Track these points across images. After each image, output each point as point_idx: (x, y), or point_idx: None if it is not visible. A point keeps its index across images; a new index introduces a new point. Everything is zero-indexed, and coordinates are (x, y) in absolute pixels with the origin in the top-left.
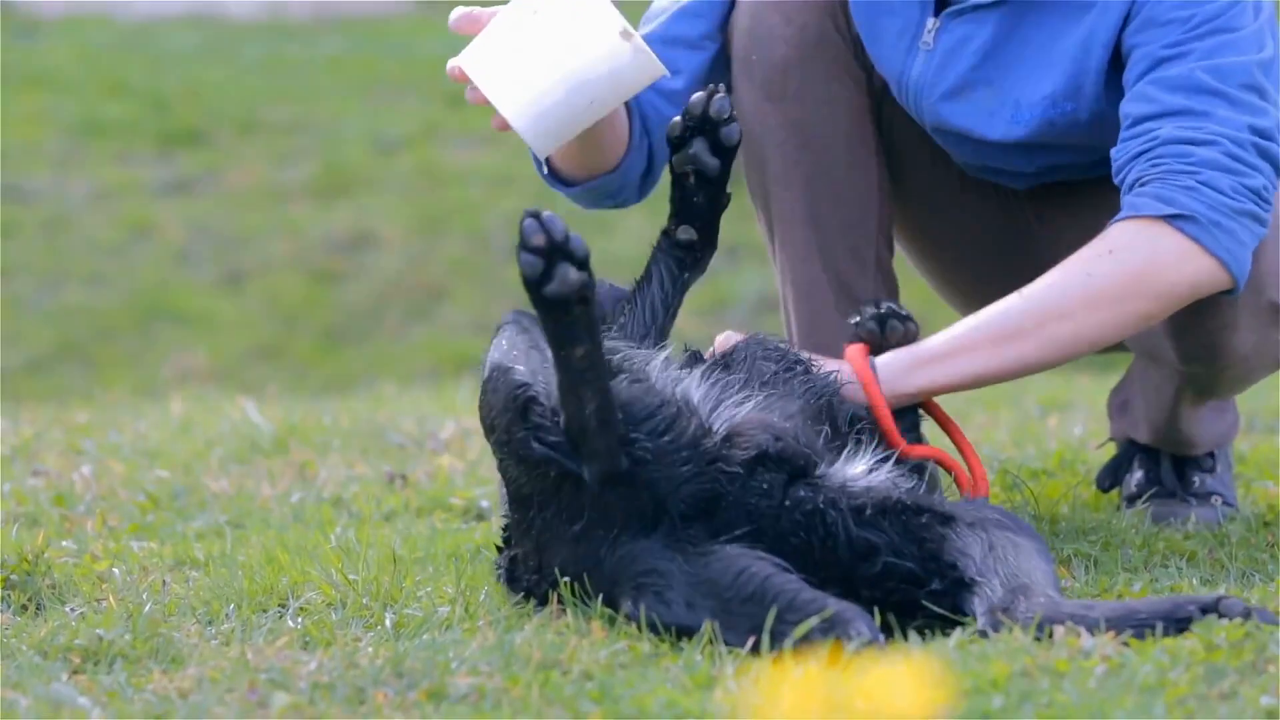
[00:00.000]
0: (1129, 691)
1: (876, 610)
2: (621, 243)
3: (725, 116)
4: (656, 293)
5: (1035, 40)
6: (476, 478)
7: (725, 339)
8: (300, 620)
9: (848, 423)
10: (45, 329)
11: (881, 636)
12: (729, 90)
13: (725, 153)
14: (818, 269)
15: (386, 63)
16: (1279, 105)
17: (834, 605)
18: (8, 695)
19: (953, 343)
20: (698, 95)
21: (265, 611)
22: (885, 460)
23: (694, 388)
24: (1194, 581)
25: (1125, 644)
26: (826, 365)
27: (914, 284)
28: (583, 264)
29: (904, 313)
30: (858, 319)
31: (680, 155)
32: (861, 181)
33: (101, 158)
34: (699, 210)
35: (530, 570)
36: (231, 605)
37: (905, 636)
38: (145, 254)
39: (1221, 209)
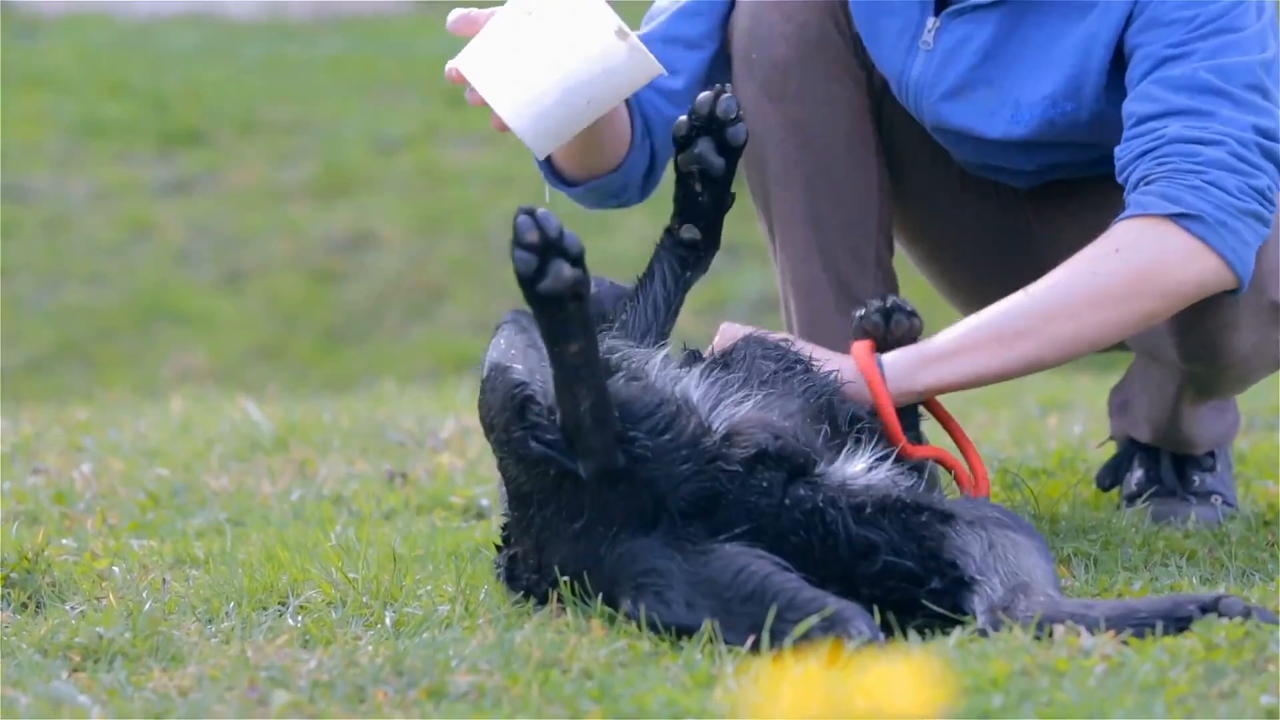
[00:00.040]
0: (1129, 690)
1: (876, 609)
2: (622, 242)
3: (732, 116)
4: (659, 290)
5: (1035, 40)
6: (476, 476)
7: (728, 330)
8: (300, 618)
9: (847, 421)
10: (45, 329)
11: (881, 635)
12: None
13: (731, 153)
14: (818, 269)
15: (386, 62)
16: None
17: (834, 604)
18: (8, 693)
19: (959, 341)
20: (704, 95)
21: (265, 609)
22: (885, 459)
23: (693, 386)
24: (1194, 580)
25: (1125, 643)
26: (831, 360)
27: (914, 283)
28: (577, 260)
29: (909, 307)
30: (863, 312)
31: (686, 154)
32: (861, 181)
33: (101, 158)
34: (703, 210)
35: (530, 569)
36: (231, 603)
37: (905, 635)
38: (145, 254)
39: (1228, 209)
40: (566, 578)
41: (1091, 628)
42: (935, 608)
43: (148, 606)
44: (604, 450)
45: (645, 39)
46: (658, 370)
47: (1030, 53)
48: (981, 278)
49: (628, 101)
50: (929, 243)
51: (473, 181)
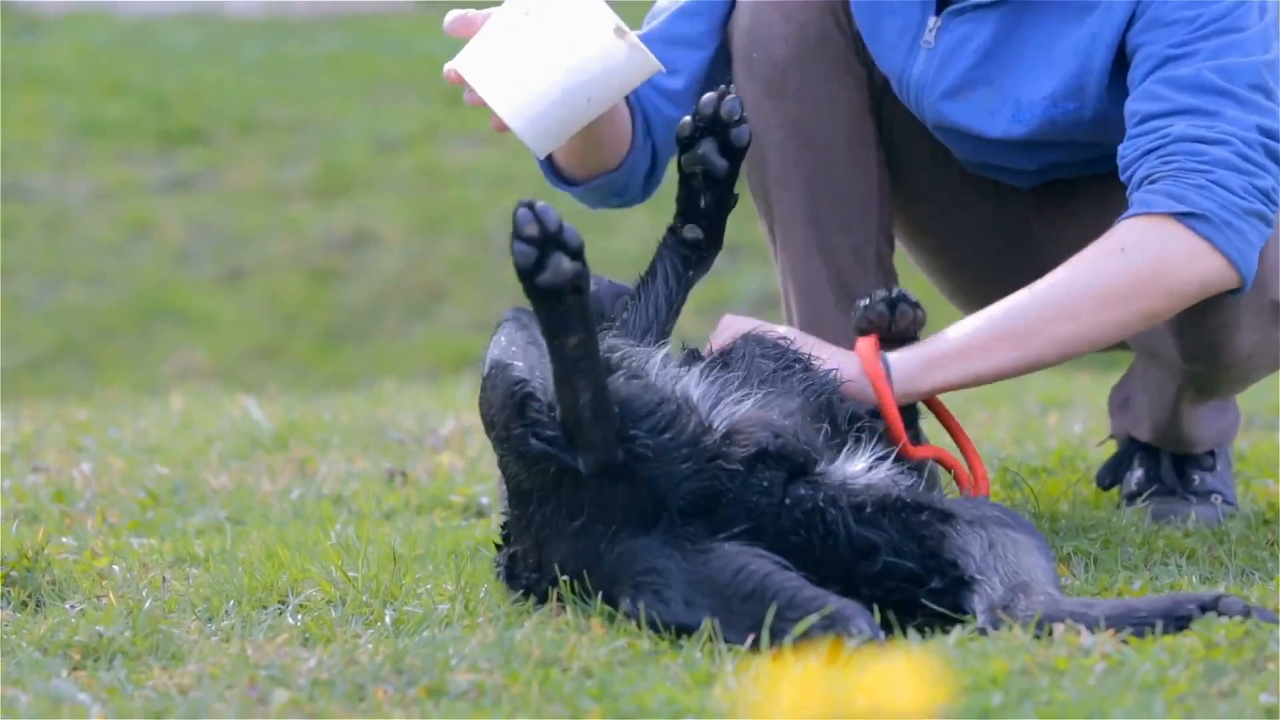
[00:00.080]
0: (1128, 689)
1: (876, 608)
2: (623, 242)
3: (736, 118)
4: (660, 289)
5: (1035, 40)
6: (476, 475)
7: (729, 323)
8: (300, 617)
9: (847, 420)
10: (45, 328)
11: (881, 634)
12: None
13: (734, 154)
14: (818, 268)
15: (387, 61)
16: None
17: (834, 602)
18: (8, 692)
19: (965, 341)
20: (709, 95)
21: (265, 608)
22: (885, 458)
23: (693, 385)
24: (1194, 579)
25: (1125, 642)
26: (834, 357)
27: (914, 281)
28: (576, 254)
29: (913, 298)
30: (866, 302)
31: (689, 155)
32: (862, 180)
33: (101, 157)
34: (706, 210)
35: (530, 567)
36: (231, 602)
37: (905, 634)
38: (145, 253)
39: (1233, 209)
40: (566, 576)
41: (1091, 626)
42: (935, 607)
43: (148, 605)
44: (603, 445)
45: (645, 39)
46: (658, 369)
47: (1031, 52)
48: (982, 277)
49: (628, 101)
50: (929, 241)
51: (473, 181)
